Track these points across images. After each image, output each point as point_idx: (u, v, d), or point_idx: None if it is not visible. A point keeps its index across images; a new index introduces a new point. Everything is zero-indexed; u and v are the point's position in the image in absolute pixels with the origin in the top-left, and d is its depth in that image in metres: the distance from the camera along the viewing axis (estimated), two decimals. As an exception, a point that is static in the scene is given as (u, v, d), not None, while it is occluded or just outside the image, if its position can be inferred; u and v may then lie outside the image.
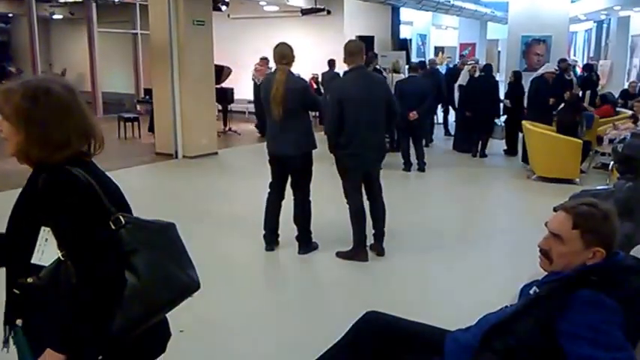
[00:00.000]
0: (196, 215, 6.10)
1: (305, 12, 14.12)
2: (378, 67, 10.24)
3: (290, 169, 4.83)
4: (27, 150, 1.63)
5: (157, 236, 1.69)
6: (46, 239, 1.64)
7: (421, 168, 8.57)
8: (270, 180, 4.95)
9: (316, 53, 12.72)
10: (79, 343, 1.60)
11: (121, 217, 1.64)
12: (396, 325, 2.28)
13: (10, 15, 17.93)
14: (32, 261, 1.65)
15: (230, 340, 3.50)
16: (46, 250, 1.64)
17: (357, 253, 4.76)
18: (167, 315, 1.81)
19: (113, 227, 1.62)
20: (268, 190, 4.94)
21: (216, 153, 10.02)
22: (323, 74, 12.00)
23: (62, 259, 1.60)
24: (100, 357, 1.65)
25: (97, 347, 1.63)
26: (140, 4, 14.94)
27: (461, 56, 19.51)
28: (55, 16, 17.69)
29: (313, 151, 4.84)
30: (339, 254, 4.83)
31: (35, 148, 1.62)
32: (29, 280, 1.63)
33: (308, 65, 11.54)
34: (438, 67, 14.16)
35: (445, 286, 4.42)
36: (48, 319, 1.65)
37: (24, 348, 1.84)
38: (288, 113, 4.61)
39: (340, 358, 2.29)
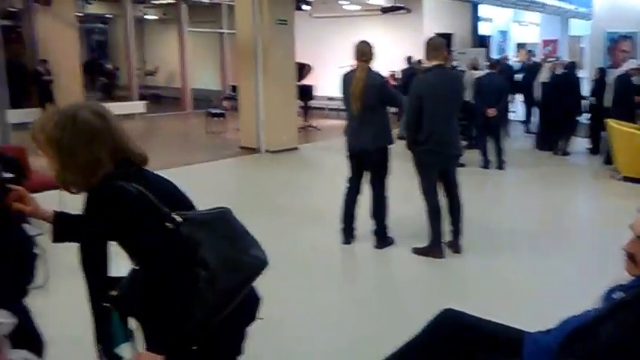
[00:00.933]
0: (276, 208, 6.22)
1: (385, 10, 14.02)
2: (454, 64, 10.06)
3: (367, 164, 4.84)
4: (64, 177, 1.71)
5: (215, 225, 1.73)
6: (117, 253, 1.74)
7: (500, 166, 8.33)
8: (348, 175, 4.98)
9: (395, 51, 12.61)
10: (171, 341, 1.67)
11: (175, 216, 1.68)
12: (473, 324, 2.24)
13: (109, 16, 18.92)
14: (110, 274, 1.76)
15: (304, 333, 3.54)
16: (120, 262, 1.75)
17: (433, 249, 4.71)
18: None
19: (171, 226, 1.66)
20: (347, 184, 4.97)
21: (296, 148, 10.15)
22: (403, 71, 11.88)
23: (135, 267, 1.70)
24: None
25: (186, 341, 1.69)
26: (227, 5, 15.35)
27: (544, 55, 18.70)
28: (148, 17, 18.51)
29: (390, 146, 4.83)
30: (416, 250, 4.80)
31: (70, 174, 1.70)
32: (113, 292, 1.74)
33: (387, 63, 11.45)
34: (511, 63, 13.71)
35: (523, 287, 4.28)
36: (140, 322, 1.75)
37: (117, 330, 1.95)
38: (367, 109, 4.66)
39: (415, 356, 2.27)
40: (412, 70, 10.80)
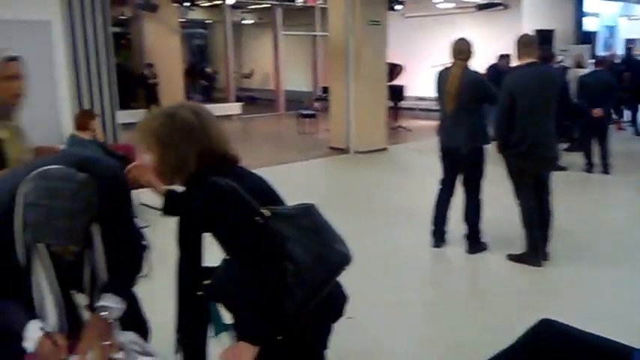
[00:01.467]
0: (365, 208, 6.20)
1: (481, 7, 13.61)
2: (559, 59, 9.57)
3: (461, 164, 4.71)
4: (161, 170, 1.80)
5: (301, 220, 1.75)
6: (211, 243, 1.78)
7: (605, 170, 7.79)
8: (441, 176, 4.86)
9: (490, 50, 12.19)
10: (264, 333, 1.71)
11: (264, 211, 1.71)
12: (574, 336, 2.10)
13: (208, 21, 19.73)
14: (204, 265, 1.81)
15: (390, 334, 3.49)
16: (213, 253, 1.79)
17: (529, 257, 4.49)
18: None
19: (260, 221, 1.70)
20: (439, 186, 4.86)
21: (385, 149, 10.09)
22: (487, 69, 11.44)
23: (228, 259, 1.75)
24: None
25: (276, 332, 1.72)
26: (320, 8, 15.53)
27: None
28: (245, 22, 19.12)
29: (486, 147, 4.67)
30: (511, 257, 4.60)
31: (166, 168, 1.79)
32: (207, 282, 1.80)
33: (482, 62, 11.10)
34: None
35: (626, 299, 3.98)
36: (232, 312, 1.80)
37: (216, 318, 2.02)
38: (462, 108, 4.53)
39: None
40: (496, 67, 10.39)
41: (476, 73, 4.69)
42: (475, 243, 4.80)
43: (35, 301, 1.79)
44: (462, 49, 4.58)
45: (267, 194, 1.82)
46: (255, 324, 1.71)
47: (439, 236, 4.92)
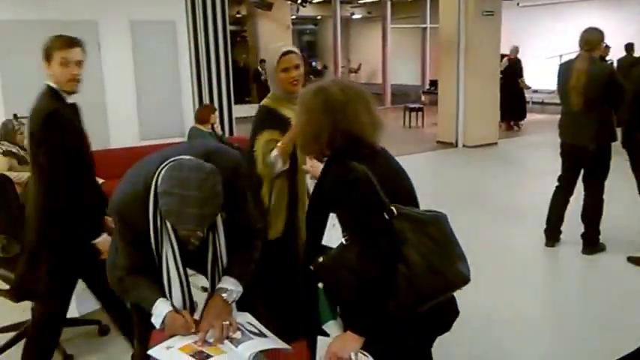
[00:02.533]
0: (473, 203, 6.03)
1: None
2: None
3: (584, 162, 4.43)
4: (300, 140, 1.84)
5: (427, 227, 1.69)
6: (334, 224, 1.79)
7: None
8: (560, 174, 4.61)
9: (614, 39, 11.31)
10: (371, 324, 1.71)
11: (393, 209, 1.68)
12: None
13: (319, 17, 20.03)
14: (322, 242, 1.82)
15: (497, 334, 3.37)
16: (334, 234, 1.80)
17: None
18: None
19: (387, 217, 1.68)
20: (557, 184, 4.61)
21: (495, 143, 9.73)
22: (619, 60, 10.62)
23: (345, 243, 1.74)
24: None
25: (378, 326, 1.72)
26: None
27: None
28: (355, 16, 19.18)
29: (613, 144, 4.36)
30: (632, 259, 4.28)
31: (304, 139, 1.82)
32: (320, 259, 1.82)
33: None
34: None
35: None
36: (343, 294, 1.79)
37: (324, 306, 2.06)
38: (588, 103, 4.23)
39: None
40: (631, 58, 9.59)
41: (605, 66, 4.34)
42: (592, 243, 4.50)
43: (163, 281, 1.93)
44: (589, 40, 4.25)
45: (400, 191, 1.78)
46: (359, 314, 1.72)
47: (553, 235, 4.68)
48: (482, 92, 9.43)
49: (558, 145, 4.58)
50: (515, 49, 11.01)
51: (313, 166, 2.27)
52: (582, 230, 4.53)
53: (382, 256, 1.67)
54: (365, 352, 1.70)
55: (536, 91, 14.06)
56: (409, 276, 1.65)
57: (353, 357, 1.70)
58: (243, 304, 2.02)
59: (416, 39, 17.41)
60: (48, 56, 2.63)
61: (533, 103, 14.16)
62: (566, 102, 4.39)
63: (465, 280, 1.73)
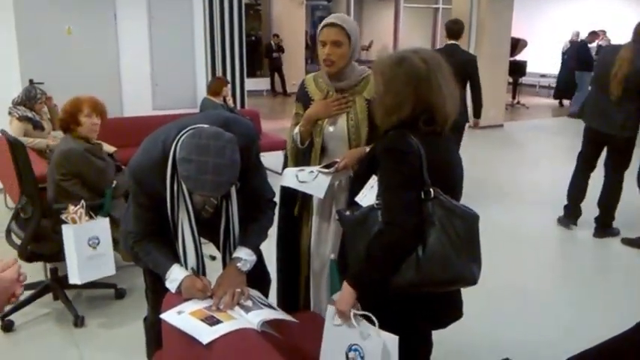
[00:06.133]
0: (481, 185, 5.99)
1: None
2: None
3: (609, 149, 4.42)
4: (376, 111, 1.77)
5: (456, 220, 1.65)
6: (372, 186, 1.77)
7: None
8: (581, 159, 4.62)
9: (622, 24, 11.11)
10: (367, 284, 1.69)
11: (431, 191, 1.65)
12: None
13: (332, -6, 19.70)
14: (355, 199, 1.80)
15: (510, 314, 3.37)
16: (369, 195, 1.78)
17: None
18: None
19: (422, 196, 1.65)
20: (578, 167, 4.61)
21: (501, 125, 9.64)
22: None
23: (375, 207, 1.71)
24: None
25: (378, 293, 1.70)
26: (443, -20, 14.95)
27: None
28: (367, -6, 18.88)
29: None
30: (625, 240, 4.37)
31: (380, 109, 1.76)
32: (347, 212, 1.80)
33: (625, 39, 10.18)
34: None
35: None
36: (351, 253, 1.78)
37: (335, 277, 2.06)
38: (626, 92, 4.14)
39: (623, 352, 2.02)
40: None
41: None
42: (606, 228, 4.52)
43: (178, 247, 1.93)
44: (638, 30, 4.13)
45: (445, 177, 1.73)
46: (361, 268, 1.70)
47: (574, 214, 4.70)
48: (491, 74, 9.30)
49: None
50: (577, 34, 10.87)
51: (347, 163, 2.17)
52: (596, 214, 4.55)
53: (406, 230, 1.63)
54: (368, 314, 1.68)
55: (543, 76, 13.91)
56: (421, 258, 1.64)
57: (352, 318, 1.69)
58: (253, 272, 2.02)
59: (428, 19, 17.14)
60: None
61: (541, 87, 14.02)
62: (603, 89, 4.26)
63: (472, 281, 1.70)
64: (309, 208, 2.42)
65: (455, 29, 5.05)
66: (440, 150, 1.75)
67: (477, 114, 5.11)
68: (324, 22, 2.22)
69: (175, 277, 1.89)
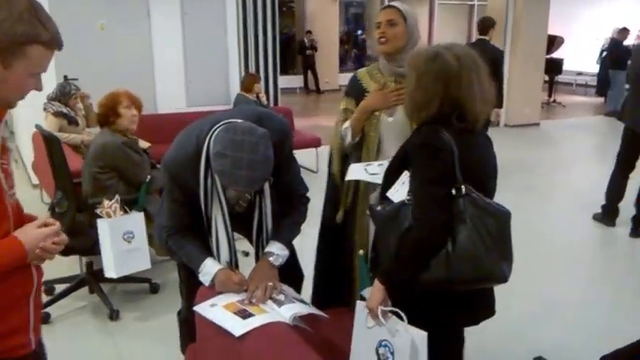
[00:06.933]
0: (516, 184, 5.89)
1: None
2: None
3: None
4: (407, 104, 1.75)
5: (488, 218, 1.63)
6: (404, 182, 1.76)
7: None
8: (620, 157, 4.54)
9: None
10: (396, 280, 1.69)
11: (463, 188, 1.63)
12: None
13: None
14: (387, 194, 1.79)
15: (544, 312, 3.30)
16: (400, 190, 1.76)
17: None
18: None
19: (454, 193, 1.64)
20: (617, 166, 4.54)
21: (537, 124, 9.46)
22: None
23: (407, 202, 1.70)
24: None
25: (407, 289, 1.69)
26: (479, -24, 14.76)
27: None
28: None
29: None
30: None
31: (411, 104, 1.73)
32: (378, 207, 1.79)
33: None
34: None
35: None
36: (382, 248, 1.78)
37: (364, 273, 2.05)
38: None
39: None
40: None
41: None
42: None
43: (212, 242, 1.95)
44: None
45: (478, 174, 1.71)
46: (390, 265, 1.69)
47: (613, 213, 4.63)
48: (526, 72, 9.15)
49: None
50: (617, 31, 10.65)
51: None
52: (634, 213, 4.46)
53: (435, 227, 1.62)
54: (397, 310, 1.67)
55: (580, 74, 13.60)
56: (450, 255, 1.62)
57: (380, 315, 1.68)
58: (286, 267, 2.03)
59: (462, 16, 16.94)
60: None
61: (577, 85, 13.71)
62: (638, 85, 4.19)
63: (502, 279, 1.68)
64: (364, 205, 2.30)
65: (483, 25, 5.50)
66: (473, 146, 1.74)
67: (500, 104, 5.29)
68: (386, 4, 2.14)
69: (209, 270, 1.91)
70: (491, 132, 1.91)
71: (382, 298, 1.69)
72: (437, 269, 1.63)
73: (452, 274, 1.63)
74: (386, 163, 2.10)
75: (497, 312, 1.86)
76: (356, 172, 2.18)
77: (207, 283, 1.92)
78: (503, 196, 1.81)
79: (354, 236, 2.35)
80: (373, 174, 2.12)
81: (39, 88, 1.35)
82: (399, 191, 1.76)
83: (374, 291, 1.71)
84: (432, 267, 1.64)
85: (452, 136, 1.66)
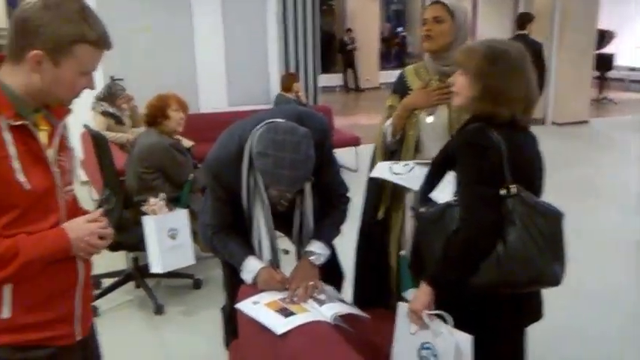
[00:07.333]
0: (563, 184, 5.73)
1: None
2: None
3: None
4: (476, 104, 1.68)
5: (539, 218, 1.60)
6: (449, 182, 1.73)
7: None
8: None
9: None
10: (444, 284, 1.67)
11: (512, 188, 1.60)
12: None
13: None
14: (430, 195, 1.77)
15: (595, 316, 3.22)
16: (445, 191, 1.73)
17: None
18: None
19: (503, 193, 1.60)
20: None
21: (586, 122, 9.17)
22: None
23: (453, 203, 1.68)
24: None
25: (455, 294, 1.67)
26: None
27: None
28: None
29: None
30: None
31: (482, 103, 1.66)
32: (422, 209, 1.76)
33: None
34: None
35: None
36: (427, 250, 1.75)
37: (406, 274, 2.05)
38: None
39: None
40: None
41: None
42: None
43: (253, 240, 1.99)
44: None
45: (526, 174, 1.68)
46: (438, 268, 1.67)
47: None
48: (574, 68, 8.89)
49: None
50: None
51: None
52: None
53: (484, 229, 1.60)
54: (443, 313, 1.66)
55: (633, 69, 13.13)
56: (501, 258, 1.59)
57: (426, 318, 1.67)
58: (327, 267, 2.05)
59: (508, 9, 16.56)
60: None
61: (631, 81, 13.23)
62: None
63: (555, 282, 1.65)
64: (401, 208, 2.30)
65: (521, 21, 5.96)
66: (522, 145, 1.70)
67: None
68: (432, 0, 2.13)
69: (251, 268, 1.95)
70: (537, 130, 1.85)
71: (428, 301, 1.67)
72: (488, 272, 1.61)
73: (503, 276, 1.60)
74: (411, 164, 2.09)
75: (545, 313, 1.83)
76: (380, 170, 2.17)
77: (249, 281, 1.95)
78: (546, 197, 1.77)
79: (389, 236, 2.34)
80: (396, 173, 2.10)
81: (91, 87, 1.40)
82: (445, 192, 1.74)
83: (419, 294, 1.70)
84: (483, 270, 1.61)
85: (501, 134, 1.62)
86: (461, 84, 1.72)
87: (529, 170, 1.71)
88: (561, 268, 1.66)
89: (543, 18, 8.87)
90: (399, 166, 2.11)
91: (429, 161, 2.04)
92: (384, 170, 2.14)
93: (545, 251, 1.61)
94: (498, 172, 1.61)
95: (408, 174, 2.07)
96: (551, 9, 8.74)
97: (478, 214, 1.61)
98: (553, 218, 1.64)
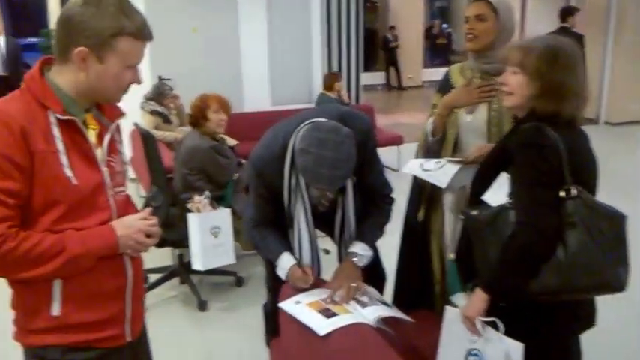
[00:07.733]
0: (619, 187, 5.51)
1: None
2: None
3: None
4: (533, 103, 1.64)
5: (601, 221, 1.55)
6: (502, 184, 1.67)
7: None
8: None
9: None
10: (501, 290, 1.62)
11: (572, 189, 1.55)
12: None
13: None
14: (482, 198, 1.72)
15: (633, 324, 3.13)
16: (498, 194, 1.67)
17: None
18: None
19: (562, 195, 1.55)
20: None
21: (641, 121, 8.82)
22: None
23: (507, 206, 1.62)
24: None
25: (512, 300, 1.62)
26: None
27: None
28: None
29: None
30: None
31: (544, 101, 1.61)
32: (474, 212, 1.70)
33: None
34: None
35: None
36: (479, 255, 1.70)
37: (454, 278, 2.01)
38: None
39: None
40: None
41: None
42: None
43: (294, 239, 2.00)
44: None
45: (585, 175, 1.63)
46: (494, 274, 1.62)
47: None
48: (632, 64, 8.55)
49: None
50: None
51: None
52: None
53: (544, 232, 1.54)
54: (496, 319, 1.62)
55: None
56: (562, 263, 1.54)
57: (479, 324, 1.63)
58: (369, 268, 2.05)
59: (556, 5, 16.11)
60: None
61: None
62: None
63: (619, 286, 1.57)
64: (439, 209, 2.28)
65: (563, 14, 6.50)
66: (578, 144, 1.65)
67: None
68: None
69: (284, 265, 1.97)
70: (590, 130, 1.79)
71: (482, 308, 1.63)
72: (548, 278, 1.56)
73: (565, 282, 1.55)
74: (443, 161, 2.06)
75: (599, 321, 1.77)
76: (412, 166, 2.14)
77: (283, 277, 1.98)
78: (597, 198, 1.70)
79: (430, 237, 2.32)
80: (427, 170, 2.07)
81: (138, 81, 1.40)
82: (498, 194, 1.68)
83: (474, 300, 1.65)
84: (543, 275, 1.56)
85: (557, 133, 1.57)
86: (516, 83, 1.67)
87: (586, 170, 1.65)
88: (625, 273, 1.59)
89: (597, 15, 8.59)
90: (430, 163, 2.09)
91: (461, 159, 2.03)
92: (415, 167, 2.12)
93: (609, 255, 1.55)
94: (557, 173, 1.56)
95: (437, 171, 2.04)
96: (606, 6, 8.43)
97: (537, 217, 1.55)
98: (616, 220, 1.58)
